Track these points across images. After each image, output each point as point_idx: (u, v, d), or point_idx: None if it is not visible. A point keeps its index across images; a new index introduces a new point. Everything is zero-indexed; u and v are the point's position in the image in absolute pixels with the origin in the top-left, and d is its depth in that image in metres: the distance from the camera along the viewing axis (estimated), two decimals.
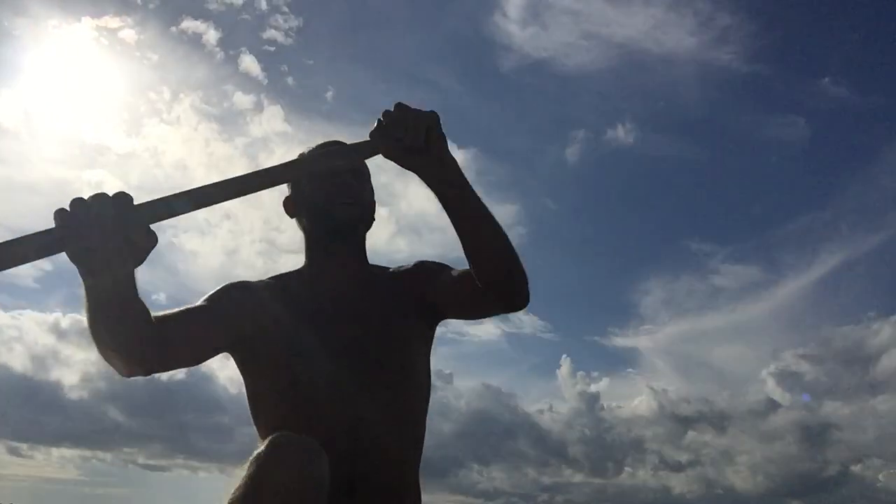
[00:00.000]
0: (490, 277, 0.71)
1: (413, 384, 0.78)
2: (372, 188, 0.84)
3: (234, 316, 0.73)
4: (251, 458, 0.56)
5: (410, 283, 0.81)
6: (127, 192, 0.54)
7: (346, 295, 0.79)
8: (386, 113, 0.68)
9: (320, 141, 0.83)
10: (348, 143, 0.77)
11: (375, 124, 0.69)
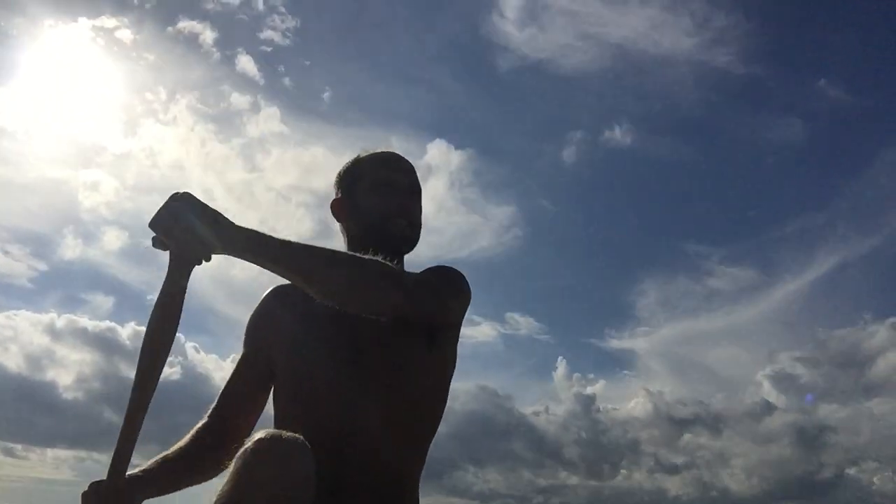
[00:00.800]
0: (352, 308, 0.67)
1: (414, 390, 0.75)
2: (421, 208, 0.83)
3: (266, 354, 0.78)
4: (237, 455, 0.56)
5: None
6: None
7: None
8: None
9: (357, 148, 0.83)
10: (399, 152, 0.82)
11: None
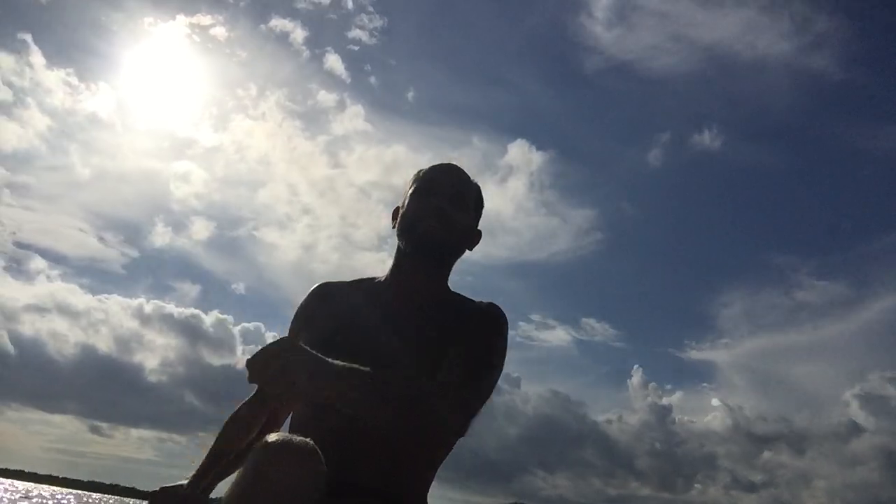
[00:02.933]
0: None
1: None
2: (473, 216, 0.83)
3: None
4: (249, 455, 0.57)
5: (470, 326, 0.77)
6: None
7: (403, 311, 0.78)
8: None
9: (442, 159, 0.84)
10: (460, 167, 0.82)
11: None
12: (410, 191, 0.82)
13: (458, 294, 0.82)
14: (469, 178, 0.83)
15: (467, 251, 0.84)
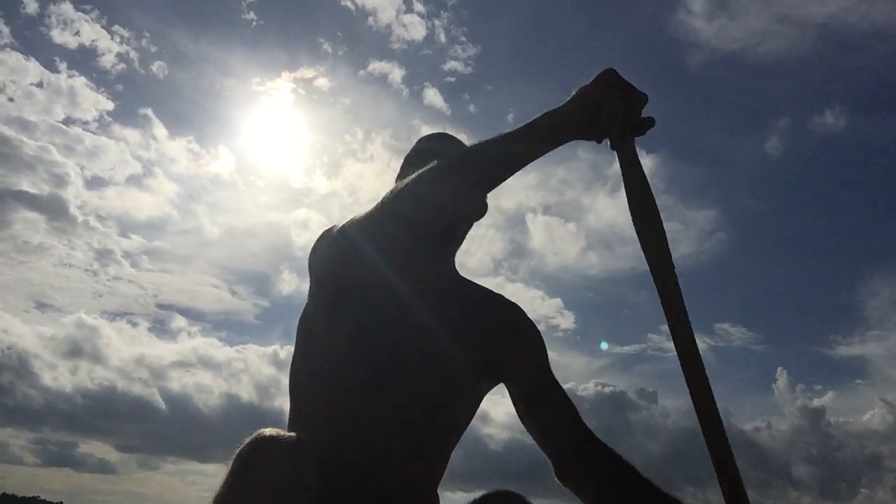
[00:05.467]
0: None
1: (447, 410, 0.71)
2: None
3: None
4: (234, 455, 0.55)
5: (493, 327, 0.75)
6: None
7: (415, 297, 0.73)
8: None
9: None
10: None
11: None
12: (408, 162, 0.80)
13: (472, 281, 0.79)
14: (451, 138, 0.82)
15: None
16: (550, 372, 0.75)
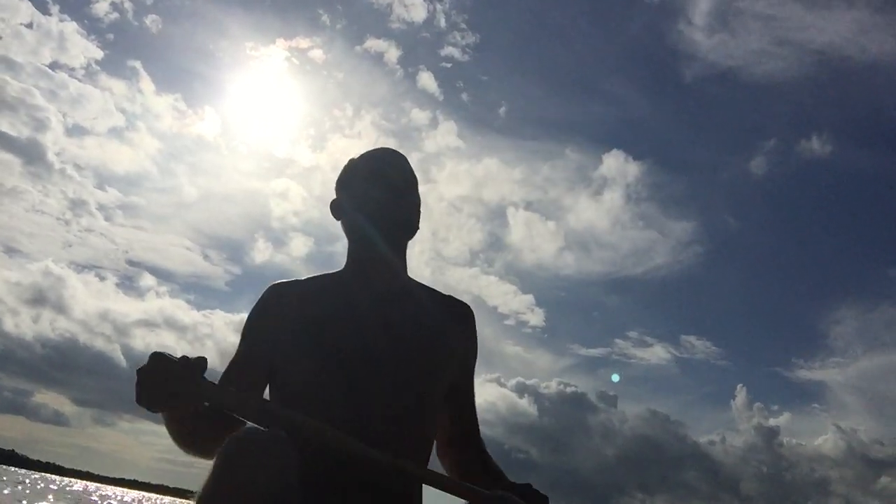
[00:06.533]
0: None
1: (430, 408, 0.76)
2: (419, 196, 0.84)
3: (268, 352, 0.75)
4: (218, 452, 0.55)
5: (455, 333, 0.80)
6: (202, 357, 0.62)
7: (377, 303, 0.78)
8: None
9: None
10: (396, 150, 0.84)
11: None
12: (358, 179, 0.82)
13: (420, 283, 0.83)
14: (405, 157, 0.85)
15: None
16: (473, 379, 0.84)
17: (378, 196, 0.79)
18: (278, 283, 0.80)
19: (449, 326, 0.80)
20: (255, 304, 0.79)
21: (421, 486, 0.74)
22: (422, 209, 0.84)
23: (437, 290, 0.84)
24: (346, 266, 0.82)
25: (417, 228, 0.83)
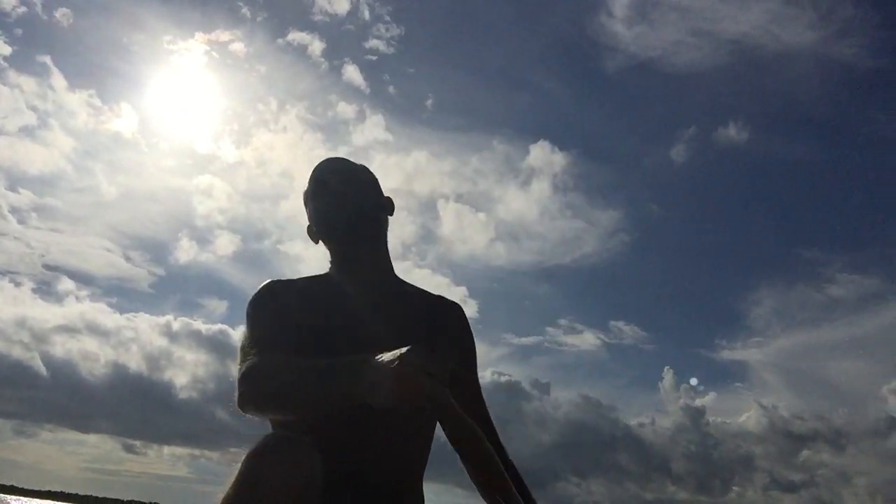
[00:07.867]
0: None
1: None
2: (372, 185, 0.85)
3: (290, 327, 0.75)
4: (244, 457, 0.57)
5: (447, 330, 0.82)
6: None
7: (371, 301, 0.79)
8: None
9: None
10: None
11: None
12: (308, 201, 0.83)
13: (408, 283, 0.84)
14: (348, 159, 0.86)
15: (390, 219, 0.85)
16: (477, 372, 0.85)
17: (322, 206, 0.81)
18: (275, 281, 0.81)
19: (441, 325, 0.81)
20: (253, 298, 0.78)
21: (421, 481, 0.77)
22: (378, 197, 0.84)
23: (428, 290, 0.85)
24: (332, 272, 0.82)
25: (380, 218, 0.83)
